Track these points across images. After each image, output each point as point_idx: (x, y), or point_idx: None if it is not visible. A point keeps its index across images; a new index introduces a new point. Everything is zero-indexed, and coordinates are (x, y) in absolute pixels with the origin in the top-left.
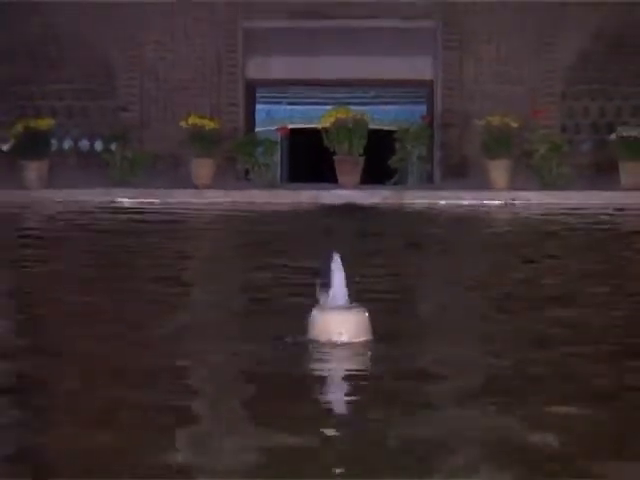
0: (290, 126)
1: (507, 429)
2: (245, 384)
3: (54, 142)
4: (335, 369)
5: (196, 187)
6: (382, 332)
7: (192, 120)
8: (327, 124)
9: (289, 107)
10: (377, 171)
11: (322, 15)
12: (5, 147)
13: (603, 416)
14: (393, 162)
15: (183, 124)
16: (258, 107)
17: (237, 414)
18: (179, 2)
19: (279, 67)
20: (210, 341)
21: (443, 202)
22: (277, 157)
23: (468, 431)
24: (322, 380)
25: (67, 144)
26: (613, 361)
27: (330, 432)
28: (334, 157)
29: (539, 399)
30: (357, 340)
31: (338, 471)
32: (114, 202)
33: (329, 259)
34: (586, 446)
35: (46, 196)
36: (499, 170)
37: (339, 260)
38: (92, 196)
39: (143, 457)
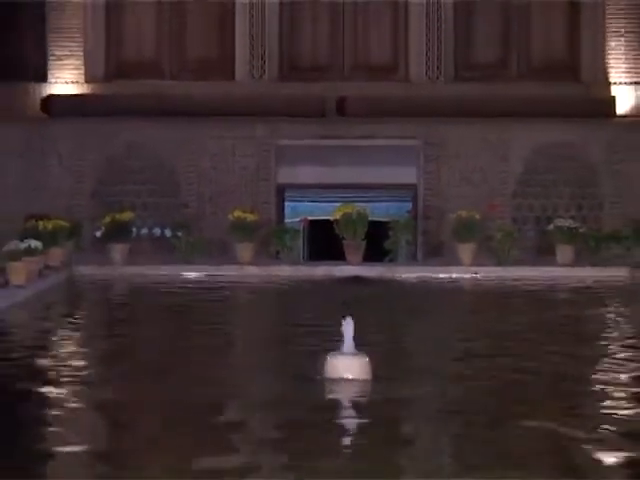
0: (310, 218)
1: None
2: (277, 408)
3: (134, 230)
4: (343, 398)
5: (239, 264)
6: (378, 373)
7: (237, 214)
8: (337, 217)
9: (309, 204)
10: (375, 252)
11: (334, 136)
12: (98, 234)
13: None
14: (387, 245)
15: (230, 217)
16: (286, 204)
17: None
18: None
19: (302, 174)
20: (255, 378)
21: (424, 275)
22: (300, 241)
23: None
24: (335, 405)
25: (143, 231)
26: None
27: (342, 441)
28: (343, 241)
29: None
30: (360, 378)
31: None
32: (180, 276)
33: (341, 319)
34: None
35: (127, 271)
36: (466, 251)
37: (349, 319)
38: (162, 271)
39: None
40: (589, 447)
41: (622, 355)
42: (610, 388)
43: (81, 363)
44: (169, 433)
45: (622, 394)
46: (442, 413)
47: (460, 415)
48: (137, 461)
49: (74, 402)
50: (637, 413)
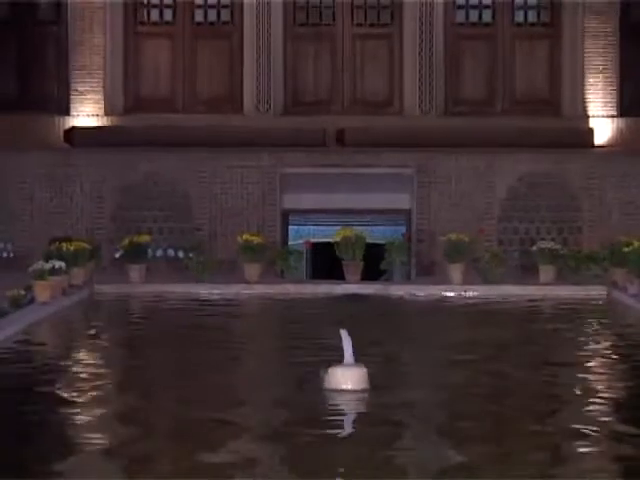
0: (312, 240)
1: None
2: (283, 411)
3: (150, 251)
4: (343, 405)
5: (247, 282)
6: (375, 382)
7: (245, 236)
8: (338, 239)
9: (312, 227)
10: (372, 272)
11: (334, 165)
12: (117, 255)
13: None
14: (383, 265)
15: (239, 239)
16: (290, 227)
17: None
18: None
19: (305, 200)
20: (262, 388)
21: (417, 292)
22: (303, 262)
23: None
24: (336, 411)
25: (159, 253)
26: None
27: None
28: (342, 262)
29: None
30: (358, 388)
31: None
32: (192, 294)
33: (341, 332)
34: None
35: (144, 289)
36: (456, 271)
37: (347, 334)
38: (177, 289)
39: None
40: (572, 444)
41: (594, 363)
42: (584, 393)
43: (100, 371)
44: (181, 434)
45: (596, 399)
46: (432, 415)
47: (448, 418)
48: (152, 457)
49: (94, 407)
50: (608, 414)
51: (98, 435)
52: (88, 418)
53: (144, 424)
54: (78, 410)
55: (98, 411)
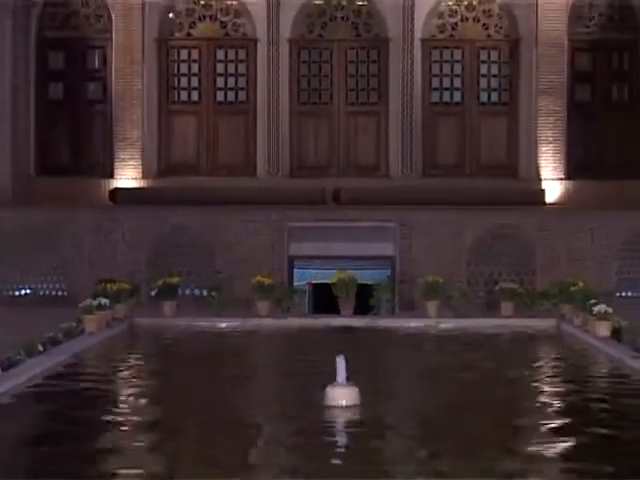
0: (313, 282)
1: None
2: (288, 423)
3: (180, 290)
4: (339, 418)
5: (259, 316)
6: (364, 400)
7: (258, 278)
8: (334, 280)
9: (313, 271)
10: (362, 307)
11: (332, 219)
12: (152, 293)
13: None
14: (372, 302)
15: (252, 280)
16: (295, 271)
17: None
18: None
19: (307, 248)
20: (271, 402)
21: (399, 324)
22: (306, 299)
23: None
24: (333, 424)
25: (187, 292)
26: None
27: (337, 450)
28: (338, 299)
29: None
30: (351, 404)
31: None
32: (214, 326)
33: (336, 358)
34: None
35: (175, 322)
36: (432, 307)
37: (342, 359)
38: (201, 322)
39: None
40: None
41: (541, 377)
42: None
43: (138, 386)
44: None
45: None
46: (411, 426)
47: (421, 425)
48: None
49: (133, 415)
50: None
51: (141, 437)
52: (128, 425)
53: (174, 428)
54: (121, 419)
55: (137, 417)
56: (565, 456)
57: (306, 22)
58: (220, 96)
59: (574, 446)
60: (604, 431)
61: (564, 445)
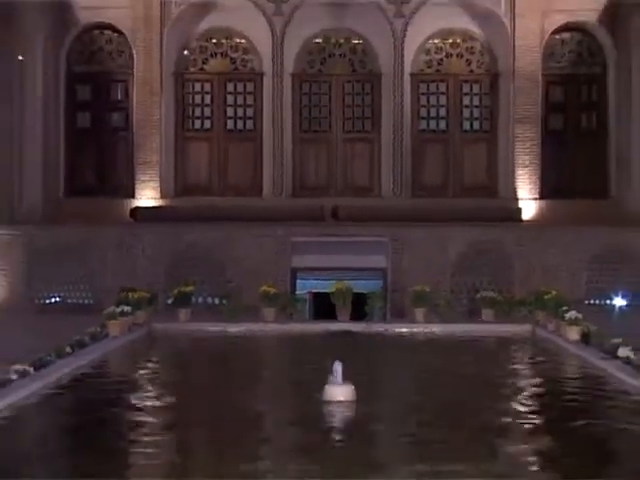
0: (314, 291)
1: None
2: (292, 415)
3: (193, 299)
4: (337, 412)
5: (265, 322)
6: (359, 396)
7: (264, 288)
8: (333, 290)
9: (314, 281)
10: (358, 314)
11: (330, 235)
12: (169, 301)
13: None
14: (366, 309)
15: (259, 290)
16: (297, 281)
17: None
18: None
19: (309, 261)
20: (276, 396)
21: (392, 329)
22: (307, 307)
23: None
24: (332, 416)
25: (200, 300)
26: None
27: (335, 436)
28: (336, 306)
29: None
30: (347, 400)
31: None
32: (225, 331)
33: (334, 360)
34: None
35: (189, 327)
36: (420, 313)
37: (339, 363)
38: (213, 327)
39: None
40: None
41: (516, 375)
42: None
43: (156, 383)
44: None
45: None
46: (401, 419)
47: (410, 417)
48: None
49: (157, 410)
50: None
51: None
52: (150, 419)
53: (191, 418)
54: (141, 413)
55: (158, 410)
56: (541, 451)
57: (307, 58)
58: (230, 124)
59: (549, 439)
60: (575, 424)
61: (540, 444)
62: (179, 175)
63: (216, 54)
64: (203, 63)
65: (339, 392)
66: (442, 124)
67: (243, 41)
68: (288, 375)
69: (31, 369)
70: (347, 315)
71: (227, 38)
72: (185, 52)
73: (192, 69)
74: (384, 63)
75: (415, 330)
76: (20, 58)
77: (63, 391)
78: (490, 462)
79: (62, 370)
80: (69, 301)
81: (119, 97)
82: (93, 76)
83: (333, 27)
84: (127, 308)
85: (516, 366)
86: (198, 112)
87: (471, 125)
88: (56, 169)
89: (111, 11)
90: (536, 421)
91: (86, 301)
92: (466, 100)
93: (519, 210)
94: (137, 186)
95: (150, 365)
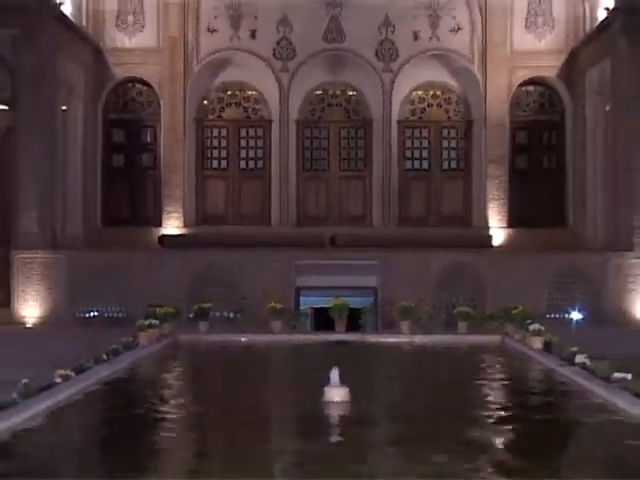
0: (315, 306)
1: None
2: (294, 413)
3: (211, 313)
4: (333, 410)
5: (274, 333)
6: (353, 396)
7: (272, 304)
8: (331, 305)
9: (315, 298)
10: (353, 326)
11: (329, 259)
12: (191, 315)
13: None
14: (360, 322)
15: (268, 305)
16: (301, 298)
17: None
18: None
19: (311, 281)
20: (282, 395)
21: (382, 339)
22: (309, 320)
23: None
24: (329, 415)
25: (217, 314)
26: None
27: (333, 437)
28: (334, 319)
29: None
30: (343, 400)
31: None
32: (239, 341)
33: (331, 366)
34: None
35: (208, 338)
36: (406, 326)
37: (336, 369)
38: (228, 338)
39: None
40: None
41: (486, 377)
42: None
43: (181, 385)
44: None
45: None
46: (389, 418)
47: (398, 415)
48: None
49: (180, 409)
50: (499, 412)
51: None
52: (176, 415)
53: (208, 426)
54: (169, 409)
55: (181, 410)
56: (507, 443)
57: (309, 107)
58: (243, 164)
59: (513, 433)
60: (536, 418)
61: (505, 433)
62: (199, 207)
63: (231, 104)
64: (220, 111)
65: (336, 393)
66: (425, 164)
67: (254, 93)
68: (292, 378)
69: (73, 374)
70: (343, 327)
71: (241, 90)
72: (205, 102)
73: (211, 117)
74: (375, 111)
75: (402, 340)
76: (64, 108)
77: (100, 393)
78: (463, 452)
79: (99, 374)
80: (105, 315)
81: (148, 140)
82: (126, 122)
83: (331, 81)
84: (155, 321)
85: (487, 370)
86: (216, 154)
87: (449, 165)
88: (94, 202)
89: (142, 67)
90: (502, 413)
91: (120, 315)
92: (445, 143)
93: (490, 237)
94: (163, 217)
95: (175, 370)
